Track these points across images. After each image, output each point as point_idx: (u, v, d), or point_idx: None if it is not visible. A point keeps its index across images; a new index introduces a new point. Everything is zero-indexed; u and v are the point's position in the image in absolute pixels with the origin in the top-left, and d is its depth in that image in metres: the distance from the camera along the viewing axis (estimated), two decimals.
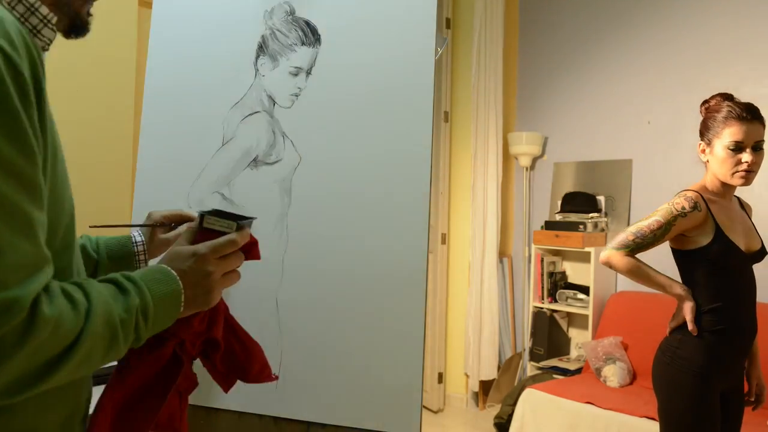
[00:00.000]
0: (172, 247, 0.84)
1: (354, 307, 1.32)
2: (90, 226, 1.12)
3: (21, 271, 0.58)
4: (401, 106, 1.34)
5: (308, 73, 1.41)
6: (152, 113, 1.51)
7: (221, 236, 0.84)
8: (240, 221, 0.87)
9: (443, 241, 3.92)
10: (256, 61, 1.44)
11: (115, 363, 0.84)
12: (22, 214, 0.59)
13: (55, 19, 0.73)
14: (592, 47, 3.71)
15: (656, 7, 3.42)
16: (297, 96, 1.41)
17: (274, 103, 1.43)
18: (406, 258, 1.30)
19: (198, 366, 0.97)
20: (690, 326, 1.65)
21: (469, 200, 3.86)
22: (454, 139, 3.97)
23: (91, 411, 0.83)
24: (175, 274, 0.78)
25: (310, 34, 1.41)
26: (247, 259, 0.89)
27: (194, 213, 1.11)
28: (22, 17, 0.69)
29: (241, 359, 0.97)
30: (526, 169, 3.93)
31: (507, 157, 4.00)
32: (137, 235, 1.14)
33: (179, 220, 1.15)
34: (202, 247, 0.82)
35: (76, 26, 0.78)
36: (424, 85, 1.33)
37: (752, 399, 1.79)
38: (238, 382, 1.15)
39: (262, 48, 1.44)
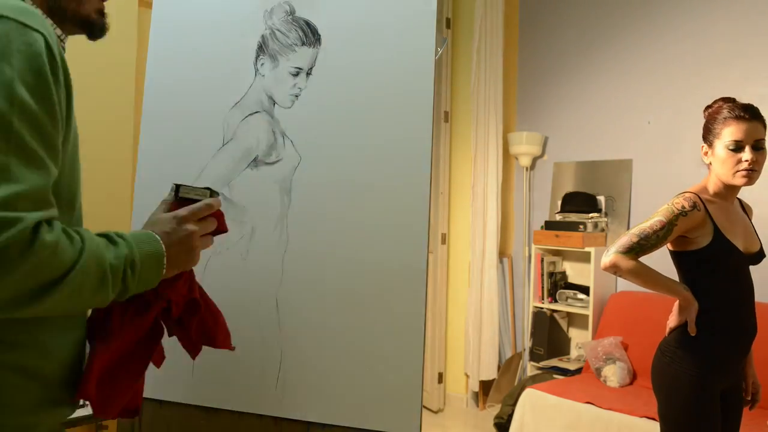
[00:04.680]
0: (151, 216, 0.91)
1: (354, 307, 1.33)
2: None
3: (28, 201, 0.67)
4: (401, 106, 1.34)
5: (308, 73, 1.41)
6: (152, 113, 1.51)
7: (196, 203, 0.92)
8: (213, 190, 0.96)
9: (443, 241, 3.92)
10: (256, 61, 1.44)
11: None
12: (39, 159, 0.70)
13: (66, 39, 0.87)
14: (592, 47, 3.71)
15: (656, 7, 3.41)
16: (297, 96, 1.41)
17: (274, 103, 1.43)
18: (406, 258, 1.30)
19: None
20: (690, 327, 1.65)
21: (469, 200, 3.86)
22: (454, 139, 3.97)
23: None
24: (158, 236, 0.84)
25: (310, 34, 1.41)
26: (217, 231, 0.96)
27: None
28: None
29: (210, 325, 1.03)
30: (526, 169, 3.93)
31: (507, 157, 4.00)
32: None
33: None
34: (183, 210, 0.90)
35: (89, 29, 0.89)
36: (424, 85, 1.33)
37: (748, 398, 1.79)
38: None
39: (262, 48, 1.44)
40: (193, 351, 1.04)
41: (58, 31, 0.84)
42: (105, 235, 0.79)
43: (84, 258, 0.72)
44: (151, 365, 0.97)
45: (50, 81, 0.71)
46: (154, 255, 0.82)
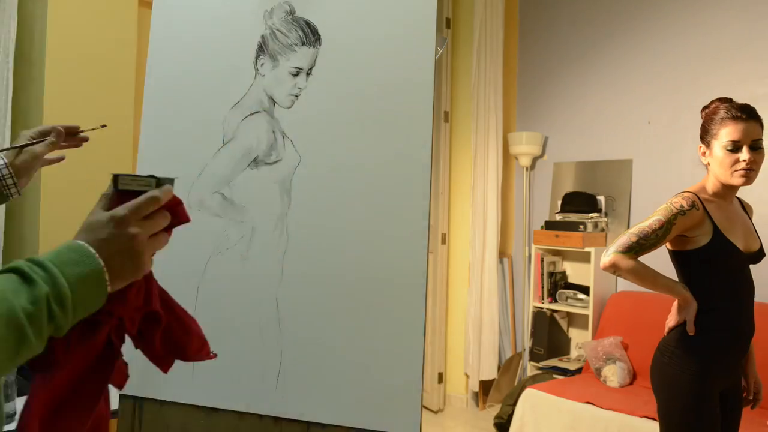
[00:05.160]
0: (87, 218, 0.74)
1: (354, 306, 1.33)
2: None
3: None
4: (401, 106, 1.34)
5: (308, 73, 1.41)
6: (152, 113, 1.51)
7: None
8: (159, 178, 0.78)
9: (443, 241, 3.92)
10: (256, 61, 1.44)
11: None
12: None
13: None
14: (592, 47, 3.71)
15: (656, 7, 3.42)
16: (297, 96, 1.41)
17: (274, 103, 1.43)
18: (406, 258, 1.30)
19: (130, 356, 0.88)
20: (689, 326, 1.65)
21: (469, 200, 3.86)
22: (454, 139, 3.97)
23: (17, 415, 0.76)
24: (93, 250, 0.69)
25: (310, 34, 1.41)
26: (175, 223, 0.80)
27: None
28: None
29: (178, 336, 0.88)
30: (526, 169, 3.93)
31: (507, 157, 4.00)
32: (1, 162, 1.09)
33: (43, 133, 1.14)
34: (121, 209, 0.73)
35: None
36: (424, 85, 1.33)
37: (750, 398, 1.79)
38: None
39: (262, 48, 1.44)
40: (163, 365, 0.89)
41: None
42: (15, 271, 0.64)
43: None
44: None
45: None
46: (90, 276, 0.67)
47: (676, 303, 1.72)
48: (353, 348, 1.32)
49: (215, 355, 0.93)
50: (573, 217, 3.52)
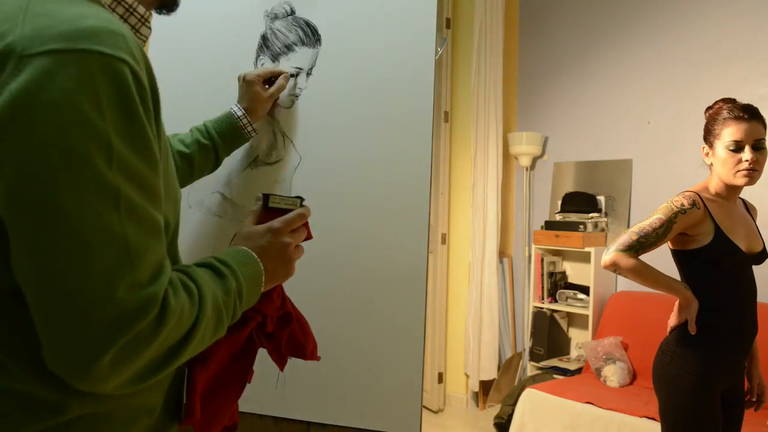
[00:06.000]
0: (240, 230, 0.88)
1: (354, 307, 1.33)
2: None
3: (152, 269, 0.63)
4: (401, 106, 1.34)
5: (308, 73, 1.41)
6: None
7: (285, 213, 0.89)
8: (301, 198, 0.93)
9: (443, 241, 3.92)
10: (256, 61, 1.44)
11: None
12: (150, 218, 0.64)
13: (151, 18, 0.78)
14: (592, 47, 3.71)
15: (656, 7, 3.41)
16: (297, 96, 1.41)
17: (275, 103, 1.43)
18: (406, 258, 1.30)
19: None
20: (691, 326, 1.65)
21: (469, 200, 3.86)
22: (454, 139, 3.97)
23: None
24: (255, 255, 0.82)
25: (311, 34, 1.41)
26: (305, 238, 0.94)
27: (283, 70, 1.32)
28: (121, 18, 0.73)
29: (300, 337, 1.01)
30: (526, 169, 3.93)
31: (507, 157, 4.00)
32: (236, 108, 1.27)
33: (272, 74, 1.32)
34: (276, 222, 0.87)
35: (167, 4, 0.86)
36: (424, 85, 1.33)
37: (754, 399, 1.79)
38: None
39: (262, 48, 1.44)
40: (281, 363, 1.01)
41: (141, 9, 0.76)
42: (209, 266, 0.76)
43: (204, 309, 0.69)
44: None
45: (144, 122, 0.63)
46: (255, 276, 0.81)
47: (677, 303, 1.72)
48: (353, 348, 1.32)
49: (320, 358, 1.06)
50: (573, 217, 3.52)
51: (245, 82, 1.28)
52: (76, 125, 0.58)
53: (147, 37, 0.79)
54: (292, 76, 1.41)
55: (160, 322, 0.62)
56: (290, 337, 0.99)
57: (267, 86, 1.31)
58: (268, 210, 0.90)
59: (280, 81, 1.32)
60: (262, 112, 1.30)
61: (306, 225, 0.93)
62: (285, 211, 0.89)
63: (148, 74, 0.67)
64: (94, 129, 0.59)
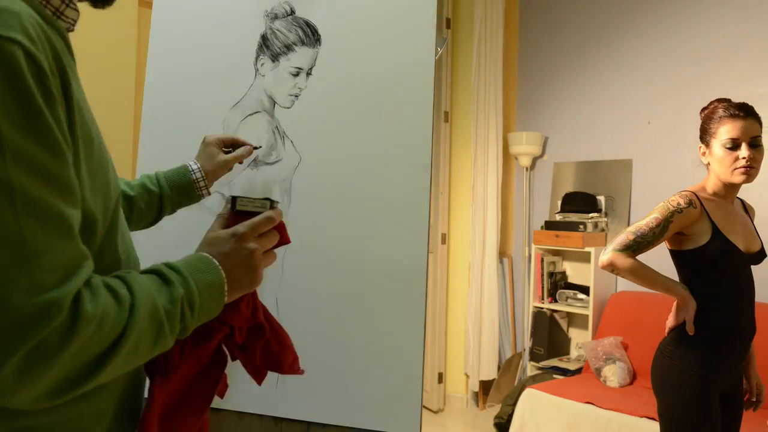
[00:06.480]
0: (208, 233, 0.82)
1: (354, 307, 1.33)
2: None
3: (58, 271, 0.57)
4: (401, 106, 1.34)
5: (308, 73, 1.41)
6: (152, 113, 1.51)
7: (254, 216, 0.84)
8: (273, 201, 0.87)
9: (443, 241, 3.92)
10: (256, 61, 1.44)
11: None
12: (56, 214, 0.58)
13: (67, 8, 0.69)
14: (592, 47, 3.71)
15: (656, 7, 3.42)
16: (297, 96, 1.41)
17: (274, 103, 1.43)
18: (406, 258, 1.30)
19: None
20: (688, 326, 1.65)
21: (469, 200, 3.86)
22: (454, 139, 3.97)
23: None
24: (217, 262, 0.76)
25: (311, 34, 1.41)
26: (279, 243, 0.87)
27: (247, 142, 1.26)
28: (43, 0, 0.67)
29: (276, 349, 0.95)
30: (526, 169, 3.93)
31: (507, 157, 4.00)
32: (192, 163, 1.22)
33: (233, 143, 1.27)
34: (241, 226, 0.81)
35: None
36: (424, 85, 1.33)
37: (753, 399, 1.79)
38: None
39: (262, 48, 1.44)
40: (258, 377, 0.96)
41: (72, 13, 0.69)
42: (156, 272, 0.70)
43: (136, 317, 0.63)
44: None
45: (43, 108, 0.57)
46: (214, 284, 0.74)
47: (675, 303, 1.72)
48: (353, 348, 1.32)
49: (303, 371, 0.99)
50: (573, 217, 3.52)
51: (204, 143, 1.24)
52: None
53: (75, 21, 0.71)
54: (292, 75, 1.41)
55: (72, 330, 0.56)
56: (265, 349, 0.93)
57: (230, 150, 1.26)
58: (236, 213, 0.85)
59: (240, 150, 1.25)
60: (214, 175, 1.23)
61: (281, 228, 0.87)
62: (253, 215, 0.84)
63: (55, 56, 0.60)
64: None
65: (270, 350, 0.93)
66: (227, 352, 0.89)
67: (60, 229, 0.58)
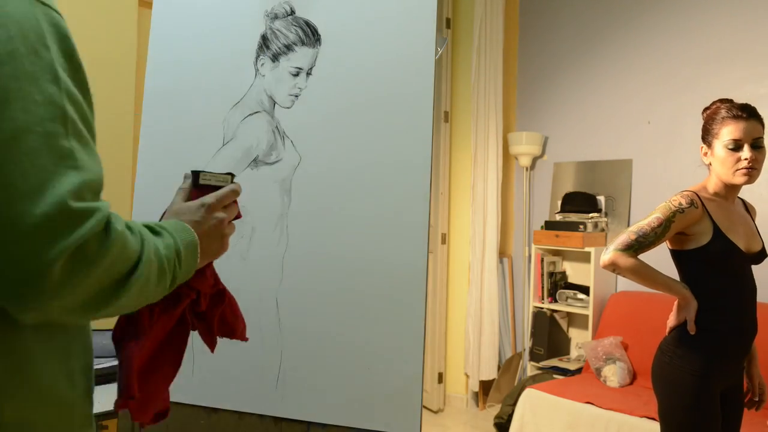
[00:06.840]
0: (172, 206, 0.87)
1: (354, 307, 1.33)
2: None
3: (97, 190, 0.64)
4: (401, 106, 1.34)
5: (308, 73, 1.41)
6: (152, 113, 1.51)
7: (216, 190, 0.89)
8: (232, 174, 0.93)
9: (443, 241, 3.92)
10: (256, 61, 1.44)
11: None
12: (92, 146, 0.66)
13: None
14: (592, 47, 3.71)
15: (656, 7, 3.42)
16: (297, 96, 1.41)
17: (274, 103, 1.43)
18: (406, 258, 1.30)
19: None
20: (690, 326, 1.65)
21: (469, 200, 3.86)
22: (454, 139, 3.97)
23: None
24: (189, 226, 0.81)
25: (311, 34, 1.41)
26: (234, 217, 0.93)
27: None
28: None
29: (230, 318, 1.01)
30: (526, 169, 3.93)
31: (507, 157, 4.00)
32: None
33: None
34: (209, 197, 0.86)
35: None
36: (424, 86, 1.33)
37: (755, 399, 1.79)
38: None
39: (262, 48, 1.44)
40: (212, 344, 1.00)
41: None
42: (146, 226, 0.75)
43: (146, 249, 0.68)
44: None
45: (81, 64, 0.67)
46: (192, 244, 0.79)
47: (676, 303, 1.72)
48: (353, 348, 1.32)
49: (248, 339, 1.06)
50: (573, 217, 3.52)
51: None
52: (25, 49, 0.61)
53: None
54: (292, 75, 1.41)
55: (107, 241, 0.61)
56: (221, 317, 0.99)
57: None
58: (198, 187, 0.89)
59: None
60: None
61: (236, 203, 0.92)
62: (215, 188, 0.89)
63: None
64: (42, 57, 0.62)
65: (225, 318, 1.00)
66: (190, 318, 0.94)
67: (96, 159, 0.65)
